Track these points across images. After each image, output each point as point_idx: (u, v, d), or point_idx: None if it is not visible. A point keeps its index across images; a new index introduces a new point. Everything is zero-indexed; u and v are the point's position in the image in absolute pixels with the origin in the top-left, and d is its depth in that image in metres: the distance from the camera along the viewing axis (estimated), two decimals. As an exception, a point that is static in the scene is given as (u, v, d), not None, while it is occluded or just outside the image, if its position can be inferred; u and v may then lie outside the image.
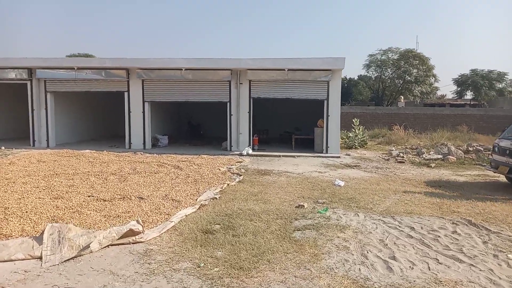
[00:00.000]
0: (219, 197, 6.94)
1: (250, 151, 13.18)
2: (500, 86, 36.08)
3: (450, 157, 12.15)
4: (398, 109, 29.51)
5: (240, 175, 9.16)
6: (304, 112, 17.92)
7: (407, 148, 15.51)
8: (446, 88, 70.51)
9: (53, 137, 14.48)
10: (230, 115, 13.73)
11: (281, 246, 4.37)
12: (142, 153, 12.75)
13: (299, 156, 12.89)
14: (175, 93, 14.07)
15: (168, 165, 10.38)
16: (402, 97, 35.45)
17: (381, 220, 5.63)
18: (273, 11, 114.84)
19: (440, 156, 12.37)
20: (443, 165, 11.56)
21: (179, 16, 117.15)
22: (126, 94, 14.03)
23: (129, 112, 14.00)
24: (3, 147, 13.24)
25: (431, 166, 11.35)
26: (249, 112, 13.66)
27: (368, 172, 10.41)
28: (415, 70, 37.79)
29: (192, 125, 19.27)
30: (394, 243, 4.62)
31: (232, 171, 9.72)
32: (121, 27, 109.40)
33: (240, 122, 13.70)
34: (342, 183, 8.43)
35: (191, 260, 4.00)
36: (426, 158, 12.37)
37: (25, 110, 14.80)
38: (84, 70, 13.94)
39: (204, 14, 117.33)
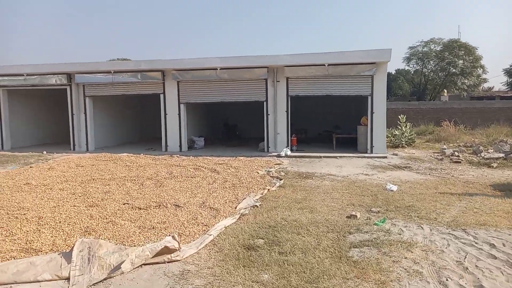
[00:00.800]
0: (260, 205, 6.37)
1: (289, 152, 12.52)
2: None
3: (515, 155, 10.83)
4: (444, 104, 27.66)
5: (280, 179, 8.54)
6: (344, 110, 17.04)
7: (460, 145, 14.20)
8: (494, 80, 65.74)
9: (92, 141, 14.60)
10: (267, 114, 13.15)
11: (338, 269, 3.71)
12: (178, 155, 12.48)
13: (341, 156, 12.07)
14: (210, 93, 13.70)
15: (205, 168, 9.98)
16: (445, 91, 33.19)
17: (451, 234, 4.80)
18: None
19: (501, 155, 11.08)
20: (506, 165, 10.30)
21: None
22: (161, 96, 13.85)
23: (165, 114, 13.80)
24: (44, 152, 13.48)
25: (492, 166, 10.15)
26: (287, 111, 13.00)
27: (421, 174, 9.43)
28: (460, 61, 35.33)
29: (228, 126, 18.91)
30: (476, 266, 3.82)
31: (271, 175, 9.13)
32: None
33: (278, 121, 13.08)
34: (394, 188, 7.59)
35: (233, 286, 3.44)
36: (485, 157, 11.13)
37: (65, 115, 15.05)
38: (120, 73, 13.91)
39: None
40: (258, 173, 9.34)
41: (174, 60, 13.58)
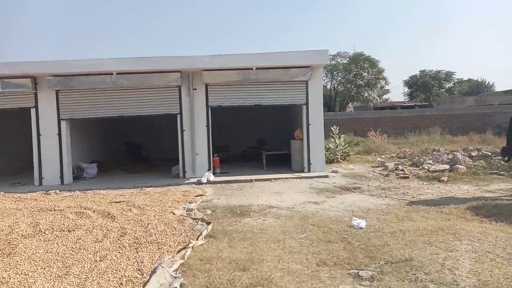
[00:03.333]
0: (182, 285, 3.75)
1: (212, 177, 9.98)
2: (449, 85, 36.48)
3: (459, 166, 9.98)
4: (358, 114, 28.44)
5: (207, 223, 5.97)
6: (270, 122, 15.20)
7: (393, 157, 13.31)
8: (394, 90, 72.82)
9: None
10: (182, 130, 10.43)
11: None
12: (57, 191, 9.01)
13: (276, 178, 9.96)
14: (104, 106, 10.47)
15: (93, 211, 6.87)
16: (350, 103, 34.36)
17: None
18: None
19: (446, 166, 10.16)
20: (456, 178, 9.30)
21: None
22: (33, 111, 10.17)
23: (38, 135, 10.11)
24: None
25: (443, 180, 9.03)
26: (207, 126, 10.48)
27: (377, 196, 7.77)
28: (365, 73, 37.03)
29: (130, 145, 15.44)
30: None
31: (193, 215, 6.48)
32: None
33: (196, 139, 10.46)
34: (363, 223, 5.65)
35: None
36: (430, 169, 10.09)
37: None
38: (-31, 79, 9.88)
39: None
40: (174, 213, 6.62)
41: (51, 62, 10.08)
